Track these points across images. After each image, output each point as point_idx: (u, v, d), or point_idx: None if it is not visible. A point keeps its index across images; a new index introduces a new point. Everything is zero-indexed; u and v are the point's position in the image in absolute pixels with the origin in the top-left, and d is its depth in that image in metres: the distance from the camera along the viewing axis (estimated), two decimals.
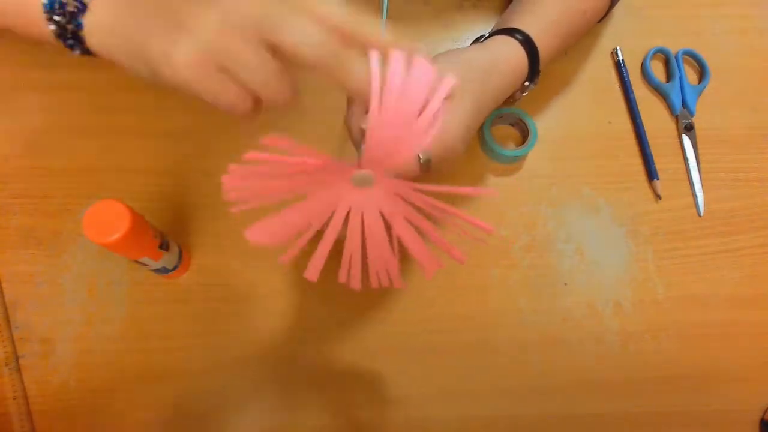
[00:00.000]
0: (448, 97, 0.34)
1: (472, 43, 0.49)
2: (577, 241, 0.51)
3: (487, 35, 0.48)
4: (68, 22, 0.33)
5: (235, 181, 0.30)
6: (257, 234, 0.33)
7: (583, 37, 0.54)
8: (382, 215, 0.34)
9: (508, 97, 0.47)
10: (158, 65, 0.30)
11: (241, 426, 0.45)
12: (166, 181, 0.50)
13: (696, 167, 0.54)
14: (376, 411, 0.45)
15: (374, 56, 0.28)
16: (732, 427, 0.47)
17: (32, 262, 0.47)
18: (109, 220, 0.35)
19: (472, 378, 0.47)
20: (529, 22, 0.46)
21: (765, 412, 0.47)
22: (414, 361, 0.47)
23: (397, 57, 0.29)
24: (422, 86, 0.30)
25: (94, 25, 0.32)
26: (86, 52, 0.35)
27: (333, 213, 0.34)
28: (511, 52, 0.45)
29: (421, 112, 0.30)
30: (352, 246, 0.35)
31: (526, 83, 0.47)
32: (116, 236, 0.35)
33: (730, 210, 0.53)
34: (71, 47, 0.35)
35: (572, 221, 0.51)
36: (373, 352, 0.47)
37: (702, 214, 0.52)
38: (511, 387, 0.47)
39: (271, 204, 0.32)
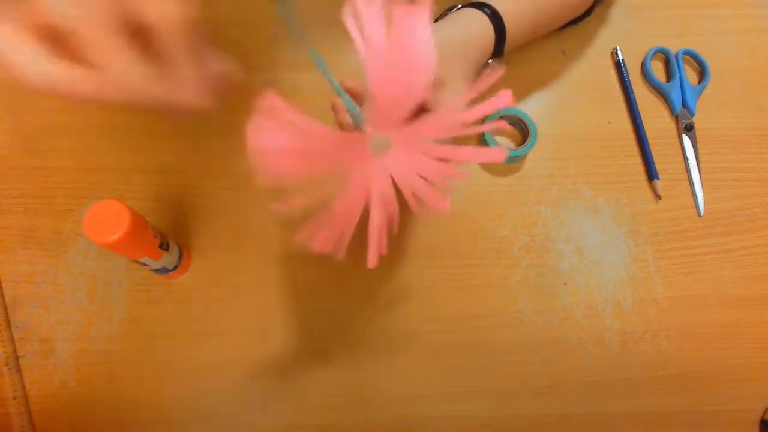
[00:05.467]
0: (439, 83, 0.35)
1: (442, 14, 0.48)
2: (577, 241, 0.51)
3: (457, 7, 0.47)
4: None
5: (262, 130, 0.29)
6: (318, 243, 0.33)
7: (564, 24, 0.54)
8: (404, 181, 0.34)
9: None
10: None
11: (241, 425, 0.45)
12: (166, 181, 0.50)
13: (696, 167, 0.54)
14: (376, 411, 0.45)
15: (349, 13, 0.28)
16: (732, 427, 0.47)
17: (32, 262, 0.47)
18: (109, 220, 0.35)
19: (472, 378, 0.47)
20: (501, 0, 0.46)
21: (765, 412, 0.47)
22: (414, 361, 0.47)
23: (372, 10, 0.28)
24: (412, 33, 0.29)
25: None
26: None
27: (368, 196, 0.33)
28: (480, 25, 0.44)
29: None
30: (377, 221, 0.34)
31: (490, 60, 0.46)
32: (116, 236, 0.35)
33: (730, 210, 0.53)
34: None
35: (572, 221, 0.51)
36: (374, 352, 0.47)
37: (702, 214, 0.52)
38: (511, 387, 0.47)
39: (293, 179, 0.30)
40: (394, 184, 0.34)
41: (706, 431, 0.47)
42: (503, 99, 0.32)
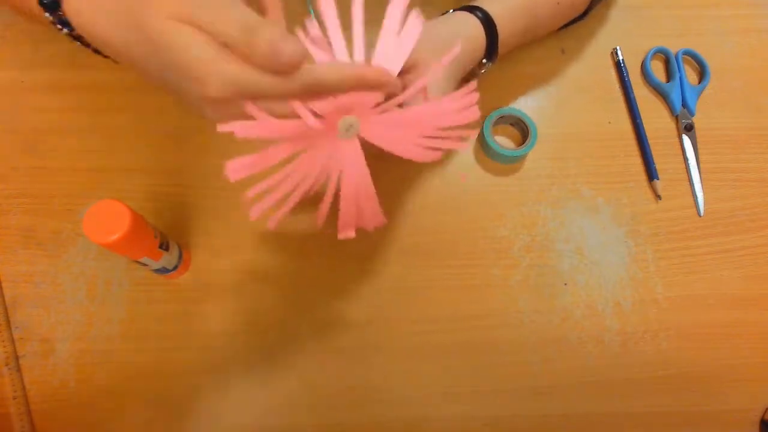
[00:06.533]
0: (419, 75, 0.36)
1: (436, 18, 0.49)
2: (577, 241, 0.51)
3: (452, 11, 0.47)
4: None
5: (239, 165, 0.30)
6: (236, 171, 0.32)
7: (559, 26, 0.54)
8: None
9: (468, 73, 0.47)
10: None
11: (241, 425, 0.45)
12: (166, 181, 0.50)
13: (696, 167, 0.54)
14: (376, 410, 0.45)
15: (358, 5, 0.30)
16: (732, 427, 0.47)
17: (32, 262, 0.47)
18: (109, 220, 0.35)
19: (472, 378, 0.47)
20: (494, 3, 0.46)
21: (765, 412, 0.47)
22: (414, 361, 0.47)
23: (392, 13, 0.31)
24: (408, 39, 0.32)
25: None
26: (76, 36, 0.35)
27: (325, 173, 0.34)
28: (470, 27, 0.45)
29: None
30: (347, 198, 0.36)
31: (484, 60, 0.47)
32: (116, 236, 0.35)
33: (730, 210, 0.53)
34: (60, 25, 0.35)
35: (572, 221, 0.51)
36: (374, 352, 0.47)
37: (702, 214, 0.52)
38: (511, 387, 0.47)
39: (270, 166, 0.32)
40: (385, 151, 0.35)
41: (706, 431, 0.47)
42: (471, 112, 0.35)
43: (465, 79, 0.47)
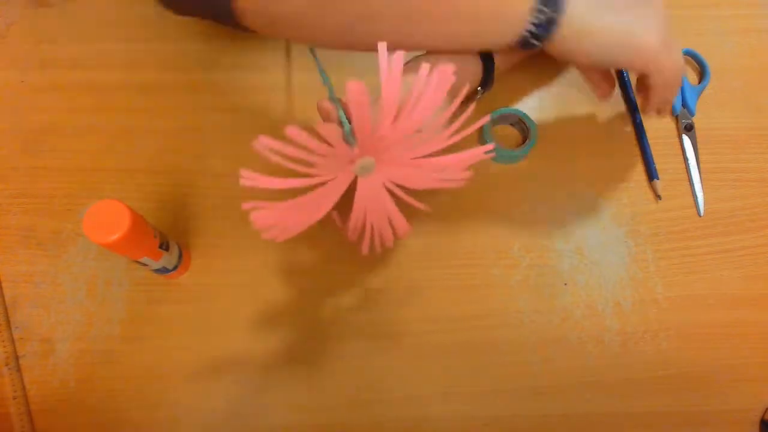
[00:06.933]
0: None
1: None
2: (577, 241, 0.51)
3: None
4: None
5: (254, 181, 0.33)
6: (258, 219, 0.35)
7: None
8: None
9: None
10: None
11: (241, 425, 0.45)
12: (166, 181, 0.50)
13: (696, 167, 0.54)
14: (376, 411, 0.45)
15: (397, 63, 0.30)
16: (732, 427, 0.47)
17: (32, 262, 0.47)
18: (109, 220, 0.35)
19: (472, 378, 0.47)
20: None
21: (765, 412, 0.47)
22: (414, 361, 0.47)
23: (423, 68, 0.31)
24: (434, 96, 0.32)
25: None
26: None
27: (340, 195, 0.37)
28: (468, 64, 0.45)
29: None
30: (360, 216, 0.39)
31: (479, 89, 0.47)
32: (116, 236, 0.35)
33: (730, 210, 0.53)
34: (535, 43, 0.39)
35: (572, 221, 0.51)
36: (373, 352, 0.47)
37: (702, 214, 0.52)
38: (511, 387, 0.47)
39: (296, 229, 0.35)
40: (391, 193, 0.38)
41: (706, 431, 0.47)
42: (484, 150, 0.37)
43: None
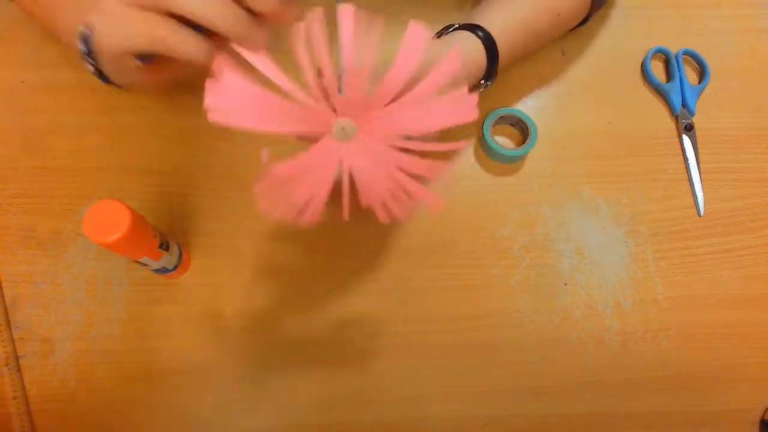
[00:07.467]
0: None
1: (437, 34, 0.49)
2: (577, 241, 0.51)
3: (453, 28, 0.47)
4: None
5: (220, 89, 0.32)
6: (267, 206, 0.34)
7: (558, 38, 0.54)
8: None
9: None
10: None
11: (241, 425, 0.45)
12: (166, 181, 0.50)
13: (696, 167, 0.54)
14: (376, 410, 0.45)
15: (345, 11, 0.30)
16: (732, 427, 0.47)
17: (32, 262, 0.47)
18: (109, 220, 0.35)
19: (472, 378, 0.47)
20: (494, 19, 0.46)
21: (765, 412, 0.47)
22: (414, 361, 0.47)
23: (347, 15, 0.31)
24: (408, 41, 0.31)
25: None
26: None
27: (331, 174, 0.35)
28: (470, 47, 0.45)
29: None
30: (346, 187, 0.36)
31: (482, 81, 0.47)
32: (116, 236, 0.35)
33: (730, 210, 0.53)
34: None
35: (572, 221, 0.51)
36: (374, 352, 0.47)
37: (702, 214, 0.52)
38: (511, 387, 0.47)
39: (253, 129, 0.32)
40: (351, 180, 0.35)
41: (706, 431, 0.47)
42: (461, 145, 0.36)
43: None
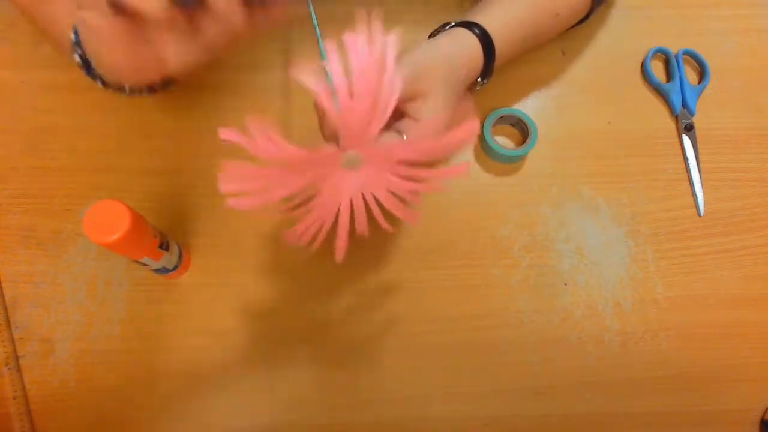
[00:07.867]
0: (420, 95, 0.38)
1: (434, 31, 0.48)
2: (577, 241, 0.51)
3: (450, 26, 0.47)
4: None
5: (231, 177, 0.32)
6: (292, 238, 0.38)
7: (556, 37, 0.53)
8: (373, 195, 0.38)
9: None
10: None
11: (241, 425, 0.45)
12: (166, 181, 0.50)
13: (696, 167, 0.54)
14: (376, 410, 0.45)
15: (331, 48, 0.31)
16: (732, 427, 0.47)
17: (32, 262, 0.47)
18: (109, 220, 0.35)
19: (472, 378, 0.47)
20: (492, 17, 0.46)
21: (765, 412, 0.47)
22: (414, 361, 0.47)
23: (354, 39, 0.31)
24: (382, 60, 0.32)
25: None
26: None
27: (340, 204, 0.37)
28: (468, 45, 0.44)
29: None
30: (345, 222, 0.38)
31: (479, 79, 0.46)
32: (116, 236, 0.35)
33: (730, 210, 0.53)
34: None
35: (572, 221, 0.51)
36: (373, 352, 0.47)
37: (702, 214, 0.52)
38: (511, 387, 0.47)
39: (268, 200, 0.34)
40: (363, 199, 0.37)
41: (706, 431, 0.47)
42: (462, 169, 0.38)
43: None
